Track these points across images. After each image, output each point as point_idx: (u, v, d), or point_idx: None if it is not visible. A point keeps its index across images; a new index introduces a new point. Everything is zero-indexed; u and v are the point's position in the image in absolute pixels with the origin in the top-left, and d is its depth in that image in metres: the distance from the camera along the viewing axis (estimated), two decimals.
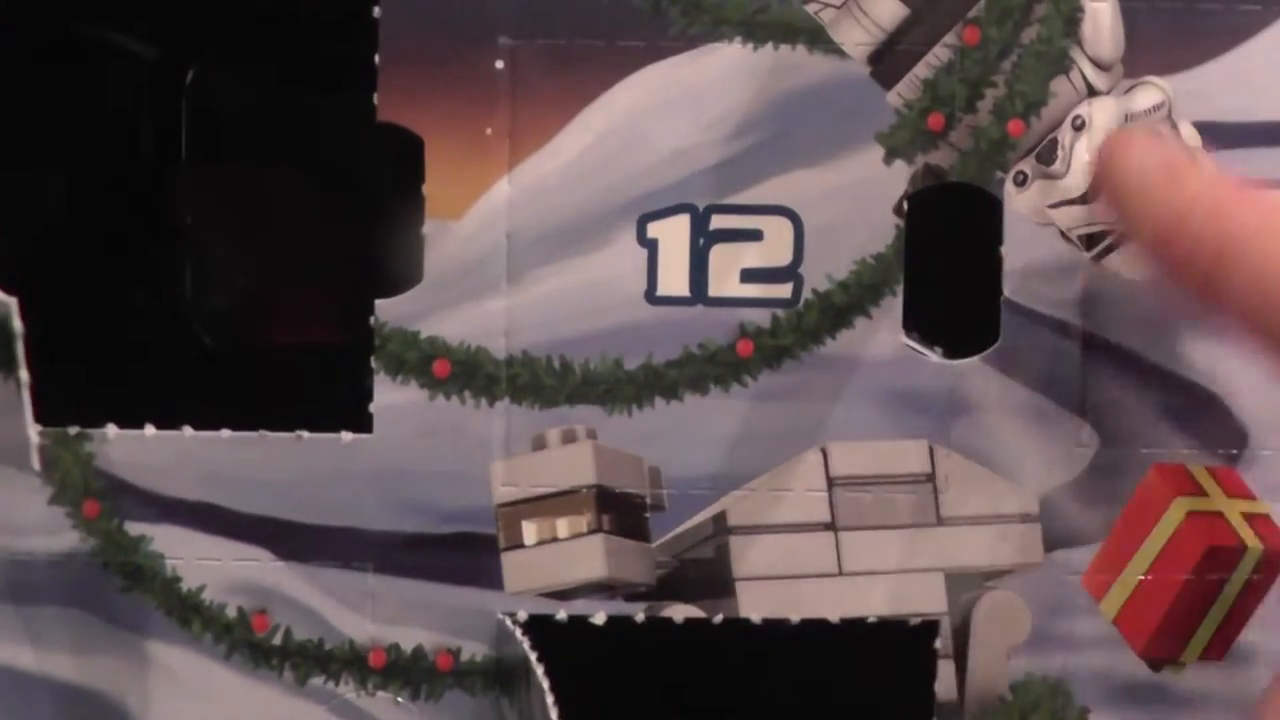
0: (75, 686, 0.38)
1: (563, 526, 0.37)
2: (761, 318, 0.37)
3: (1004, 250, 0.37)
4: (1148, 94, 0.36)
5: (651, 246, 0.37)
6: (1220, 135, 0.36)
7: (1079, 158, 0.36)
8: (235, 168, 0.40)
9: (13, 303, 0.31)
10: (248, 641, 0.38)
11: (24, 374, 0.31)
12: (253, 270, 0.39)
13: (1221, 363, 0.37)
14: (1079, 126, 0.36)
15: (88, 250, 0.40)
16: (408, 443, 0.37)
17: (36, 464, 0.32)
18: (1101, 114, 0.36)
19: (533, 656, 0.35)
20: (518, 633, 0.36)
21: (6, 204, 0.33)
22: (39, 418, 0.35)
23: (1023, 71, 0.36)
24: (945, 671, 0.38)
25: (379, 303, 0.37)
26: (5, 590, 0.37)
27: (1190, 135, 0.36)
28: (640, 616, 0.37)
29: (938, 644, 0.38)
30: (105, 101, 0.39)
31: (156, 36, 0.39)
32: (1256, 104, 0.36)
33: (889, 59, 0.36)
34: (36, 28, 0.36)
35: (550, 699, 0.33)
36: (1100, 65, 0.36)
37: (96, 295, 0.40)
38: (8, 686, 0.37)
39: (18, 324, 0.31)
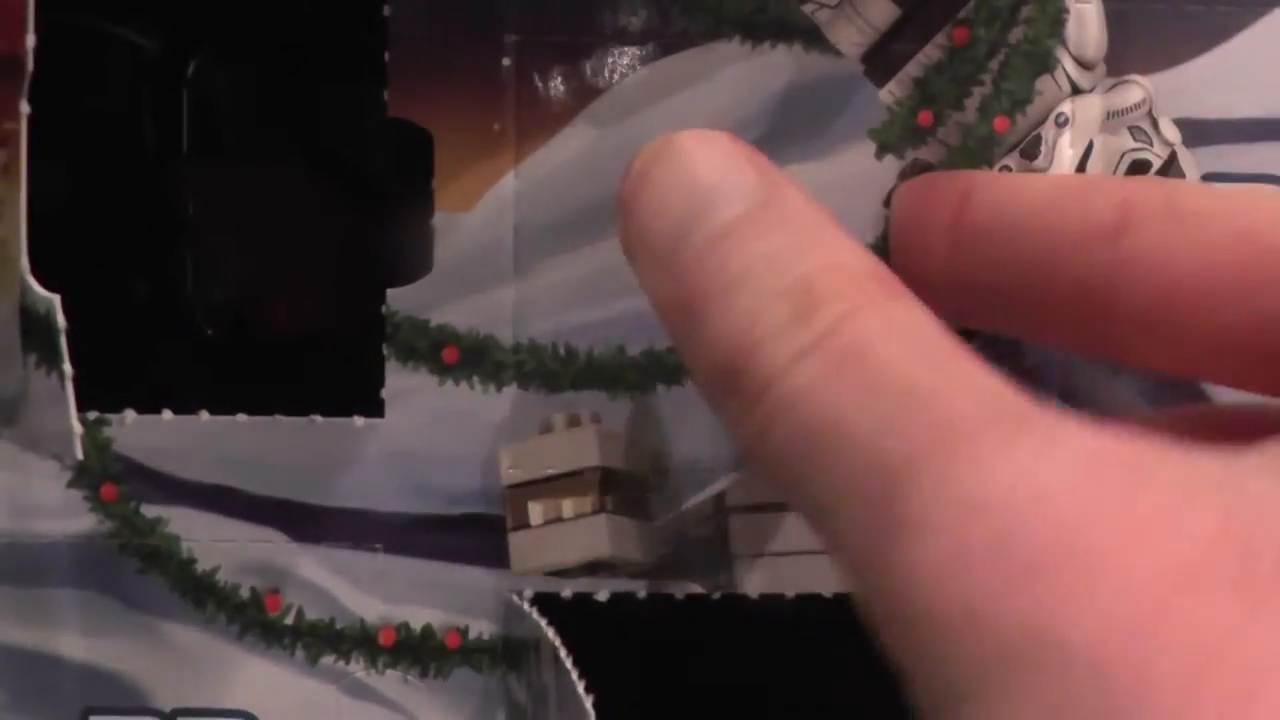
0: (91, 667, 0.38)
1: (568, 507, 0.38)
2: None
3: None
4: (1129, 92, 0.37)
5: None
6: (1201, 132, 0.38)
7: (1061, 153, 0.38)
8: (240, 163, 0.40)
9: (55, 299, 0.32)
10: (261, 621, 0.38)
11: (67, 367, 0.32)
12: (258, 263, 0.40)
13: None
14: (1062, 123, 0.37)
15: (92, 244, 0.40)
16: (418, 427, 0.38)
17: (79, 453, 0.32)
18: (1084, 111, 0.37)
19: (549, 633, 0.36)
20: (526, 607, 0.37)
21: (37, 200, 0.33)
22: None
23: (1010, 70, 0.37)
24: None
25: (390, 292, 0.37)
26: (23, 572, 0.38)
27: (1171, 132, 0.38)
28: (642, 593, 0.38)
29: None
30: (106, 94, 0.40)
31: (161, 28, 0.40)
32: (1236, 101, 0.38)
33: (882, 58, 0.37)
34: (36, 22, 0.36)
35: (575, 673, 0.33)
36: (1084, 64, 0.37)
37: (105, 287, 0.41)
38: (25, 668, 0.38)
39: (61, 319, 0.31)
